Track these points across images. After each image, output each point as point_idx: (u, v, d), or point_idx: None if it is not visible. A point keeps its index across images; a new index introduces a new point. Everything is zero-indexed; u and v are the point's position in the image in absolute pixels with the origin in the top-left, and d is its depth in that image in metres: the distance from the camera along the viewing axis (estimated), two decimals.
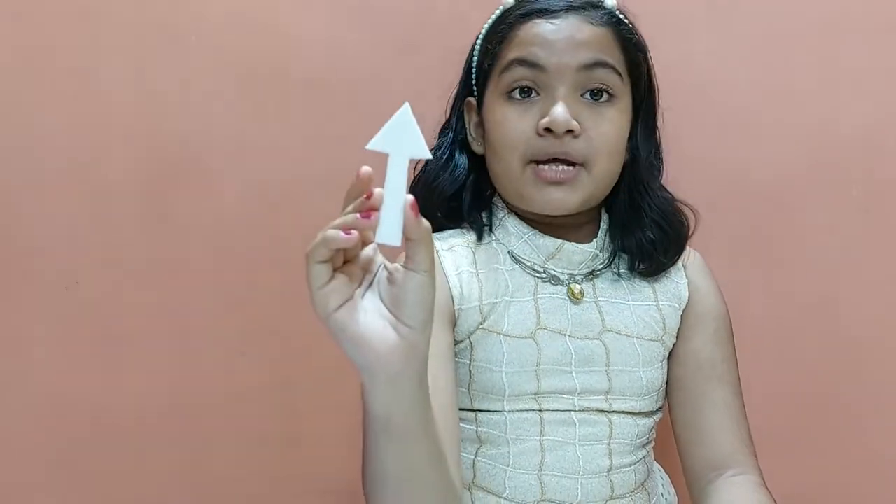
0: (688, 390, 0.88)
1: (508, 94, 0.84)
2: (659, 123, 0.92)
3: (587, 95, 0.83)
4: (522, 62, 0.83)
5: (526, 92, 0.84)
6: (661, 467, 1.00)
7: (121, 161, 1.11)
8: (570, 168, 0.83)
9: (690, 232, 0.91)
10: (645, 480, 0.89)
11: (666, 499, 0.97)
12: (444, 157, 0.90)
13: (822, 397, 1.13)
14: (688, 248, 0.93)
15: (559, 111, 0.81)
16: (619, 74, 0.84)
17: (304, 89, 1.12)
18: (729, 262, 1.07)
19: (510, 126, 0.84)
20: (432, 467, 0.66)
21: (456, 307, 0.84)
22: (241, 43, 1.12)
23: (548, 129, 0.81)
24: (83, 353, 1.13)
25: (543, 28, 0.83)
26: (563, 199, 0.84)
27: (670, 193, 0.91)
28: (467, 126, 0.91)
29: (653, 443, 0.92)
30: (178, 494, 1.14)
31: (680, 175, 0.94)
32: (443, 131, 0.93)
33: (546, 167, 0.83)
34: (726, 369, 0.89)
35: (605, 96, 0.84)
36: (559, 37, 0.82)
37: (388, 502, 0.66)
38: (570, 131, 0.81)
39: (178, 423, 1.14)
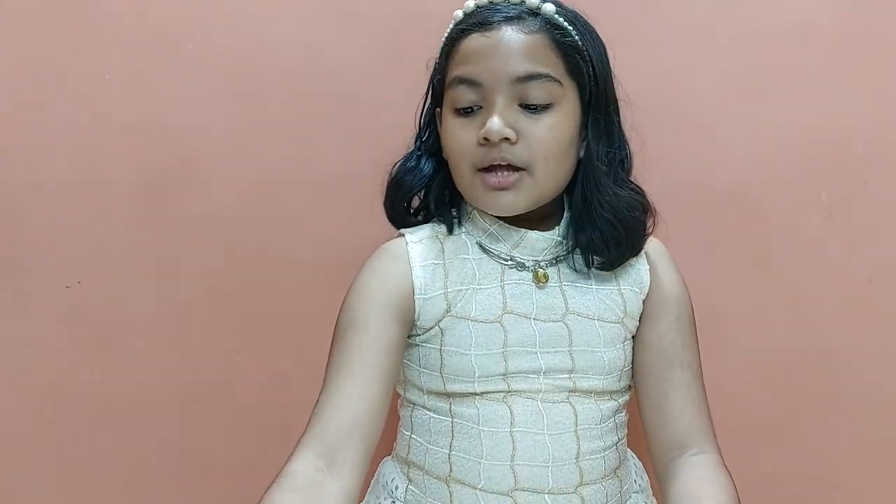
0: (651, 374, 0.92)
1: (455, 110, 0.88)
2: (625, 116, 0.93)
3: (524, 105, 0.85)
4: (462, 80, 0.86)
5: (468, 109, 0.87)
6: (634, 454, 1.02)
7: (121, 162, 1.13)
8: (513, 173, 0.86)
9: (648, 229, 0.92)
10: (617, 468, 0.92)
11: (639, 485, 1.00)
12: (411, 163, 0.94)
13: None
14: (652, 238, 0.95)
15: (493, 123, 0.84)
16: (557, 80, 0.85)
17: (301, 95, 1.14)
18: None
19: (457, 139, 0.88)
20: None
21: (417, 297, 0.88)
22: (240, 48, 1.13)
23: (486, 139, 0.85)
24: (82, 351, 1.14)
25: (478, 42, 0.86)
26: (510, 202, 0.87)
27: (632, 188, 0.91)
28: (439, 134, 0.95)
29: (625, 430, 0.94)
30: (175, 490, 1.16)
31: (645, 175, 0.96)
32: (416, 139, 0.97)
33: (490, 174, 0.86)
34: (688, 355, 0.92)
35: (541, 104, 0.85)
36: (493, 51, 0.85)
37: None
38: (506, 138, 0.84)
39: (175, 420, 1.15)
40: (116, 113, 1.13)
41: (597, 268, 0.92)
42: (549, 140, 0.86)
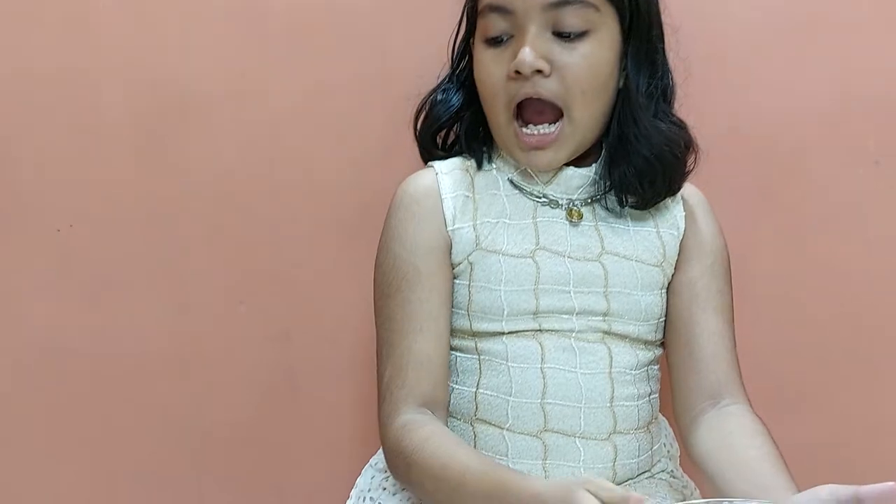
0: (683, 319, 0.90)
1: (486, 40, 0.86)
2: (670, 44, 0.90)
3: (558, 33, 0.84)
4: (492, 8, 0.85)
5: (499, 39, 0.85)
6: (665, 420, 1.00)
7: (118, 102, 1.10)
8: (552, 128, 0.84)
9: (689, 167, 0.90)
10: (650, 422, 0.91)
11: (668, 451, 0.97)
12: (440, 95, 0.93)
13: (827, 352, 1.13)
14: (690, 185, 0.93)
15: (525, 53, 0.82)
16: (593, 5, 0.83)
17: (309, 33, 1.11)
18: (735, 212, 1.06)
19: (488, 72, 0.86)
20: None
21: (449, 229, 0.87)
22: None
23: (518, 72, 0.83)
24: (76, 299, 1.12)
25: None
26: (550, 159, 0.86)
27: (674, 122, 0.89)
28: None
29: (658, 385, 0.93)
30: (175, 444, 1.14)
31: (686, 120, 0.92)
32: (450, 70, 0.95)
33: (527, 131, 0.85)
34: (723, 301, 0.91)
35: (576, 32, 0.83)
36: None
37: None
38: (539, 71, 0.83)
39: (174, 376, 1.13)
40: (110, 49, 1.09)
41: (630, 206, 0.90)
42: (585, 71, 0.84)
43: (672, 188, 0.90)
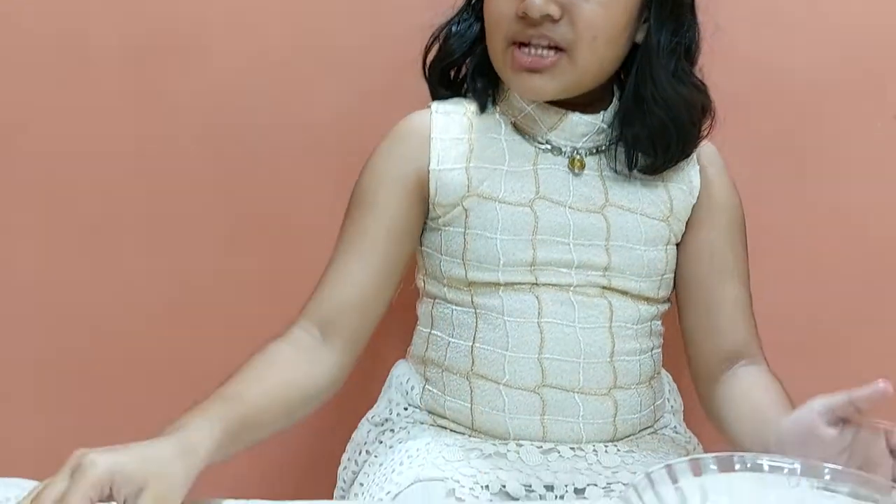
0: (701, 285, 0.89)
1: None
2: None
3: None
4: None
5: None
6: (669, 375, 0.99)
7: (108, 30, 1.07)
8: (549, 54, 0.81)
9: (705, 131, 0.87)
10: (652, 377, 0.90)
11: (672, 406, 0.97)
12: (456, 26, 0.90)
13: (840, 302, 1.13)
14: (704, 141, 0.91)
15: None
16: None
17: None
18: (752, 164, 1.05)
19: (494, 6, 0.83)
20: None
21: (431, 169, 0.85)
22: None
23: (525, 14, 0.79)
24: (63, 240, 1.10)
25: None
26: (541, 86, 0.83)
27: (694, 84, 0.86)
28: None
29: (660, 340, 0.92)
30: (165, 391, 1.09)
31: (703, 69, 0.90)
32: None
33: (523, 51, 0.81)
34: (739, 265, 0.90)
35: None
36: None
37: None
38: (548, 15, 0.79)
39: (166, 315, 1.12)
40: None
41: (639, 170, 0.87)
42: (599, 19, 0.80)
43: (685, 153, 0.87)
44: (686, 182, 0.90)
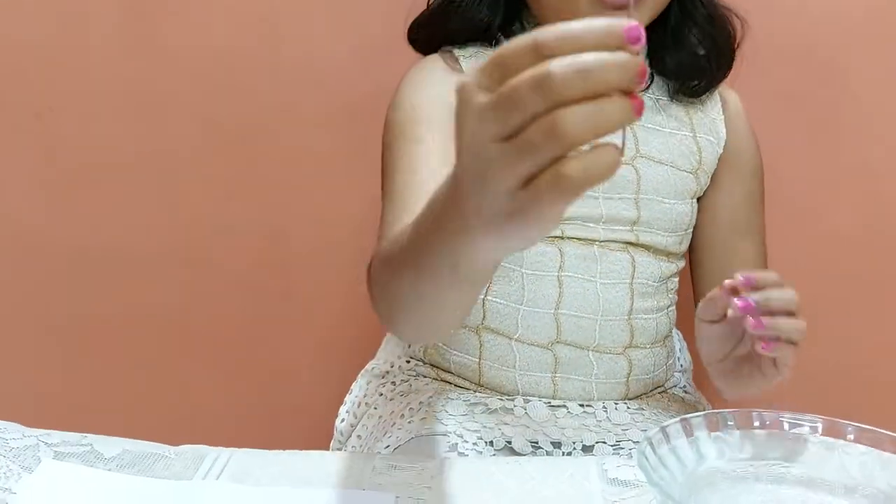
0: (717, 243, 0.88)
1: None
2: None
3: None
4: None
5: None
6: (679, 332, 0.97)
7: None
8: None
9: (737, 43, 0.87)
10: (666, 337, 0.88)
11: (682, 365, 0.95)
12: None
13: (853, 266, 1.11)
14: (728, 88, 0.90)
15: None
16: None
17: None
18: (758, 123, 1.01)
19: None
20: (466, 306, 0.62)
21: None
22: None
23: None
24: (58, 189, 1.09)
25: None
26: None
27: (723, 4, 0.86)
28: None
29: (675, 298, 0.90)
30: (160, 342, 1.12)
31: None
32: None
33: None
34: (757, 223, 0.89)
35: None
36: None
37: (416, 323, 0.63)
38: None
39: (161, 267, 1.12)
40: None
41: (687, 93, 0.86)
42: None
43: (725, 73, 0.86)
44: (714, 133, 0.88)
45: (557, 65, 0.36)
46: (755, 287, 0.65)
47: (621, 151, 0.38)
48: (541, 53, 0.37)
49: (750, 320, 0.64)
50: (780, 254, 0.99)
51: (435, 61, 0.84)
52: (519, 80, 0.37)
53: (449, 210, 0.46)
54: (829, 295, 1.11)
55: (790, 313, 0.65)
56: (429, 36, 0.86)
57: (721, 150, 0.88)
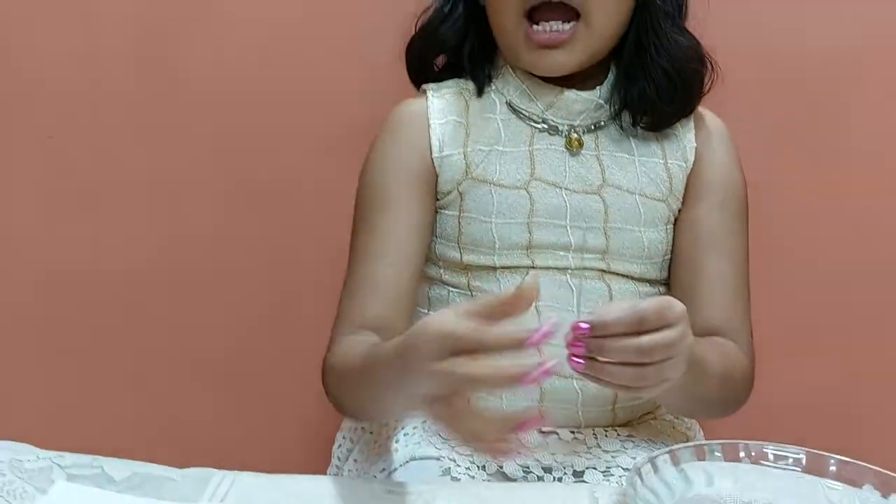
0: (685, 260, 0.86)
1: None
2: None
3: None
4: None
5: None
6: None
7: (114, 2, 1.07)
8: (565, 27, 0.80)
9: (706, 86, 0.86)
10: None
11: None
12: (447, 7, 0.88)
13: (844, 293, 1.12)
14: (711, 113, 0.89)
15: None
16: None
17: None
18: (758, 144, 1.03)
19: None
20: None
21: (434, 156, 0.84)
22: None
23: None
24: (67, 208, 1.11)
25: None
26: (562, 62, 0.82)
27: (690, 38, 0.85)
28: None
29: None
30: (166, 363, 1.13)
31: (717, 44, 0.88)
32: None
33: (538, 28, 0.80)
34: (730, 244, 0.86)
35: None
36: None
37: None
38: None
39: (167, 287, 1.13)
40: None
41: (643, 127, 0.86)
42: None
43: (689, 107, 0.86)
44: (682, 157, 0.87)
45: (483, 364, 0.57)
46: (595, 334, 0.64)
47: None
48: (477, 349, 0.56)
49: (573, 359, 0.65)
50: (775, 279, 1.02)
51: (408, 109, 0.86)
52: (457, 370, 0.56)
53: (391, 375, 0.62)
54: (821, 324, 1.12)
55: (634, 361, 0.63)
56: (417, 62, 0.89)
57: (689, 169, 0.87)
